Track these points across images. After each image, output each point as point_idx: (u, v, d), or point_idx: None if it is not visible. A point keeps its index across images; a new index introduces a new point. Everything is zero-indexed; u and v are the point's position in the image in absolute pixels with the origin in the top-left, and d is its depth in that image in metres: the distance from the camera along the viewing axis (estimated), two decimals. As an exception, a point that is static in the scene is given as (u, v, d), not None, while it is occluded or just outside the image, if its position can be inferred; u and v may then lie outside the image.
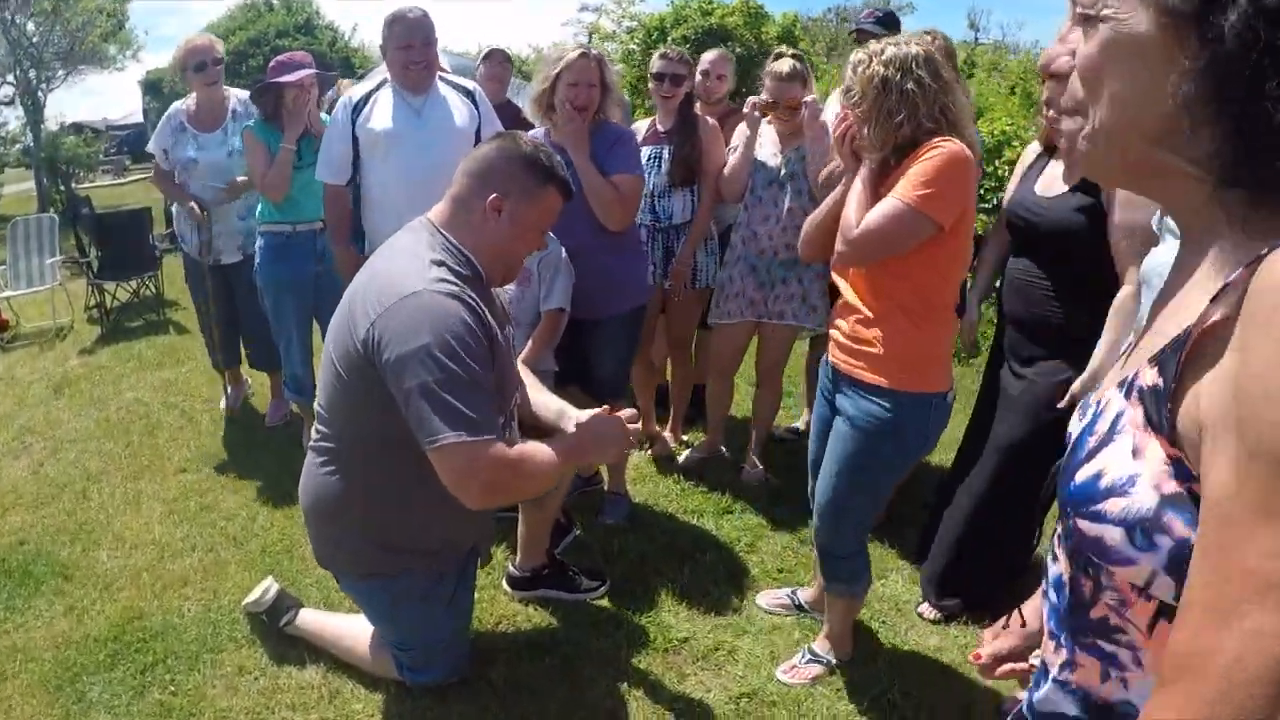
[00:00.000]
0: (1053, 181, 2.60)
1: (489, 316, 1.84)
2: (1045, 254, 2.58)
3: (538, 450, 1.84)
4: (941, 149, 2.00)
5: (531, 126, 4.42)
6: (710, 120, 3.51)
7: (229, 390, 4.57)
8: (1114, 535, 0.75)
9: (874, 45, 2.11)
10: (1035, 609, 1.15)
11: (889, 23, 3.59)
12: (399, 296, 1.72)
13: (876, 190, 2.11)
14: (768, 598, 2.92)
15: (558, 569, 2.91)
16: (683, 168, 3.41)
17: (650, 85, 3.52)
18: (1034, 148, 2.80)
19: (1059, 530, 0.86)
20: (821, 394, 2.46)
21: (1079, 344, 2.46)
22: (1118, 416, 0.77)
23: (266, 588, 2.67)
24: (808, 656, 2.61)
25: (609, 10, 16.11)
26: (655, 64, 3.47)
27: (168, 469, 3.93)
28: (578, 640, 2.71)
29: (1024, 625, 1.16)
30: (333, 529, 2.08)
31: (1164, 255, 2.16)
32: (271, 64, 3.68)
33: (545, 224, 2.02)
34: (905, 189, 2.00)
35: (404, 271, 1.78)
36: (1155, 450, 0.72)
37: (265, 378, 4.52)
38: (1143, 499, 0.73)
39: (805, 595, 2.87)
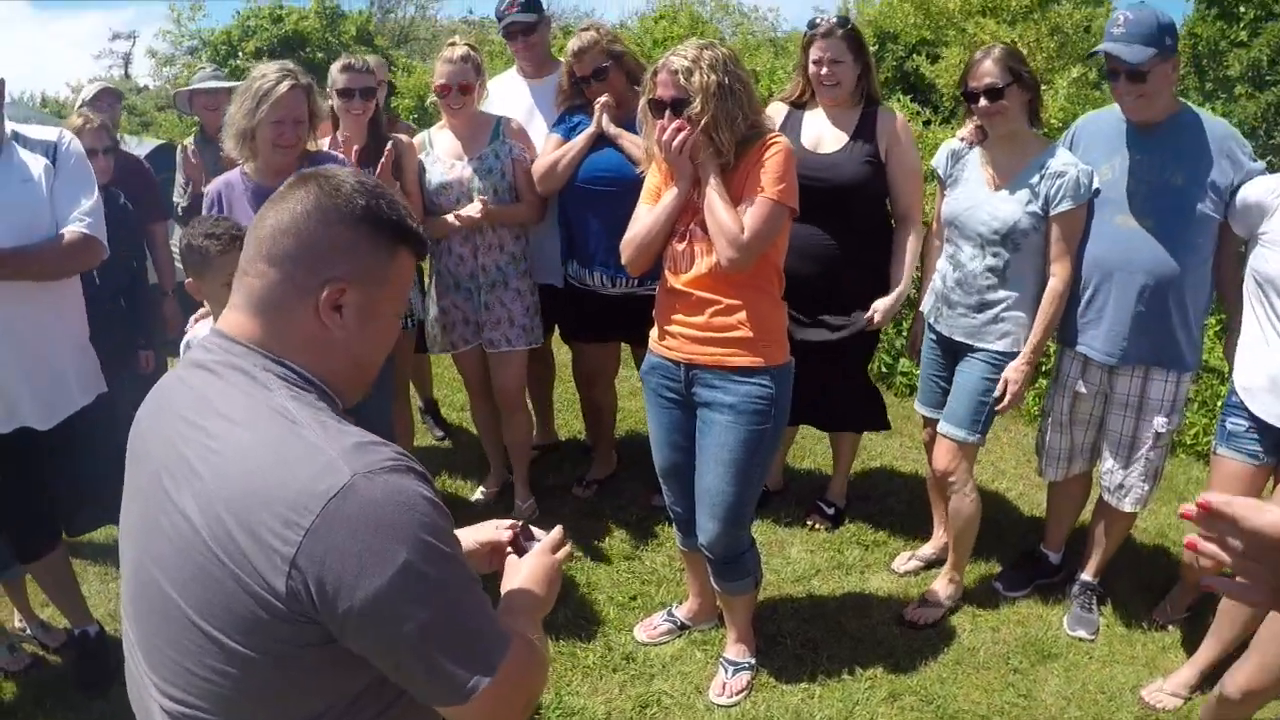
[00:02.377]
0: (820, 135, 2.78)
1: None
2: (834, 212, 2.69)
3: (518, 623, 1.26)
4: (777, 144, 2.18)
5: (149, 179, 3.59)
6: (405, 137, 3.00)
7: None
8: None
9: (684, 51, 2.15)
10: None
11: (535, 6, 3.34)
12: (324, 500, 1.06)
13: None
14: (646, 630, 2.78)
15: None
16: None
17: (335, 104, 2.86)
18: (777, 108, 2.88)
19: None
20: (661, 397, 2.43)
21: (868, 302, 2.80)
22: None
23: None
24: (731, 670, 2.58)
25: (166, 31, 15.41)
26: (340, 79, 2.89)
27: None
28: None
29: None
30: None
31: (965, 200, 2.55)
32: None
33: (401, 305, 1.33)
34: (769, 187, 2.14)
35: (292, 457, 1.10)
36: None
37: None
38: None
39: (684, 612, 2.80)
